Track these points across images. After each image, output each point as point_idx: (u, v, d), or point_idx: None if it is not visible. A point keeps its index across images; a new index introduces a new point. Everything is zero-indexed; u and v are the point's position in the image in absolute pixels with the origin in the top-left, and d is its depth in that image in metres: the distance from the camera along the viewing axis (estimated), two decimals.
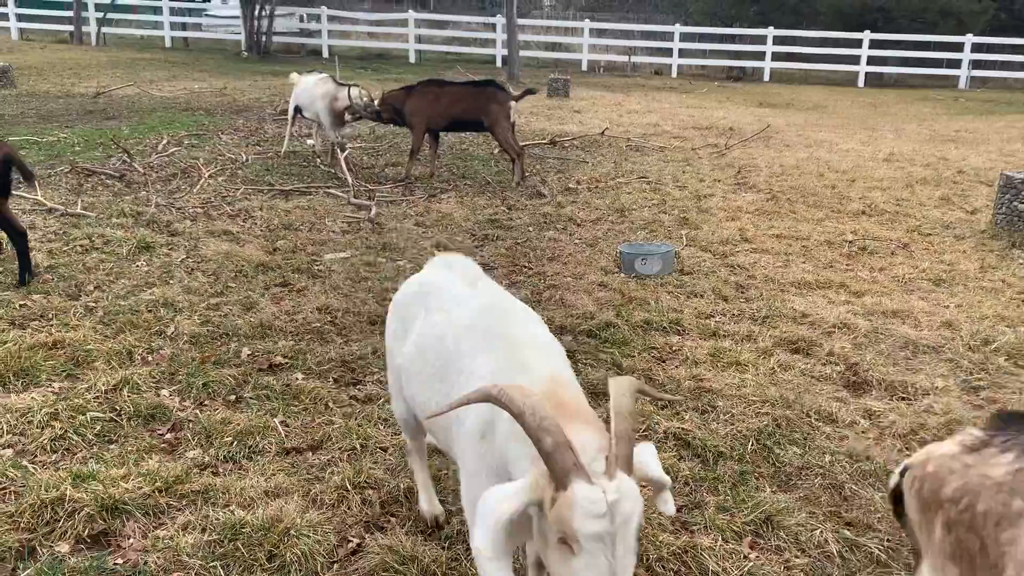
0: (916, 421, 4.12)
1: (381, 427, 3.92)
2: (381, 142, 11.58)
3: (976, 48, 25.08)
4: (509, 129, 9.18)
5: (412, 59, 26.15)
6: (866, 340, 5.15)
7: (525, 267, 6.49)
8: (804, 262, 6.78)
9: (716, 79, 25.76)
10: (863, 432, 4.03)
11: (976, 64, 25.35)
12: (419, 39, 26.77)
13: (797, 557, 3.11)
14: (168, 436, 3.79)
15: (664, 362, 4.79)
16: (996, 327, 5.37)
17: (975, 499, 1.79)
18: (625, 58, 26.64)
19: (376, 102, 9.36)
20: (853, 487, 3.57)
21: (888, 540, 3.22)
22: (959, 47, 24.93)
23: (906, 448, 3.88)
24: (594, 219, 7.96)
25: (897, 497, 2.08)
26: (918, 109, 19.18)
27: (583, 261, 6.64)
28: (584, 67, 26.64)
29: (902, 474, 2.06)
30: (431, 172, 9.51)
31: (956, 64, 25.38)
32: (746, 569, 3.02)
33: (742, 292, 6.03)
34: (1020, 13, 28.57)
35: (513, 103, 9.11)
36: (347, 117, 9.47)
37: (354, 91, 9.27)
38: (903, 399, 4.40)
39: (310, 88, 9.59)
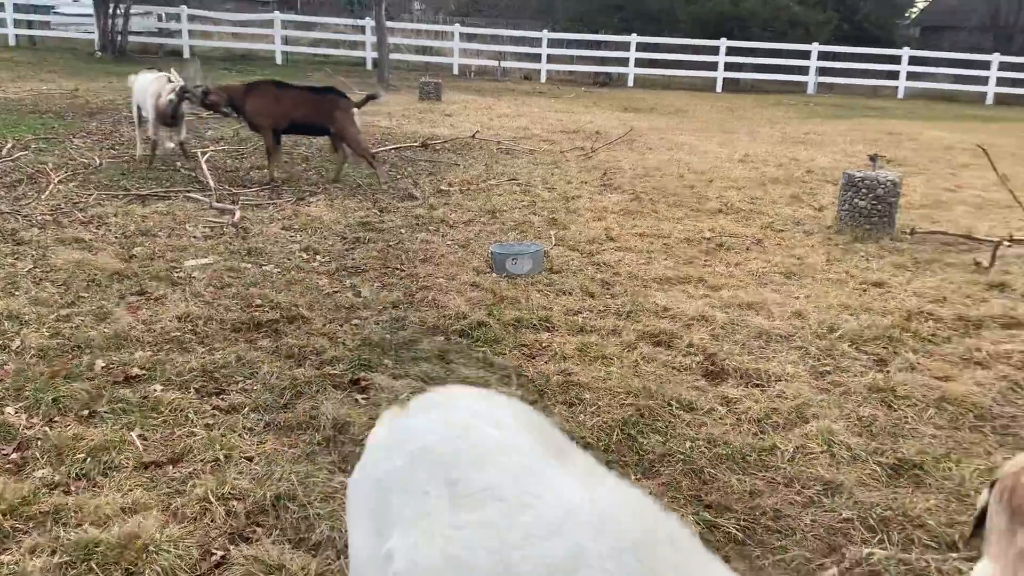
0: (769, 406, 4.36)
1: (246, 436, 3.82)
2: (246, 144, 11.27)
3: (822, 56, 26.73)
4: (358, 134, 9.20)
5: (279, 60, 25.54)
6: (723, 331, 5.40)
7: (397, 269, 6.47)
8: (665, 259, 7.04)
9: (583, 84, 26.39)
10: (721, 419, 4.23)
11: (822, 71, 27.01)
12: (286, 40, 26.18)
13: None
14: (13, 456, 3.56)
15: (534, 358, 4.88)
16: (840, 315, 5.74)
17: None
18: (495, 63, 26.90)
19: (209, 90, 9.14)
20: (712, 471, 3.74)
21: (744, 520, 3.39)
22: (807, 55, 26.50)
23: (760, 433, 4.11)
24: (466, 220, 8.01)
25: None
26: (772, 113, 20.24)
27: (455, 262, 6.68)
28: (455, 71, 26.75)
29: (991, 487, 2.12)
30: (276, 174, 9.24)
31: (805, 71, 26.95)
32: None
33: (608, 289, 6.21)
34: (860, 24, 30.65)
35: (355, 109, 9.08)
36: (183, 108, 9.26)
37: (174, 74, 9.17)
38: (757, 386, 4.64)
39: (145, 87, 9.33)
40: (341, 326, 5.18)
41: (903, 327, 5.56)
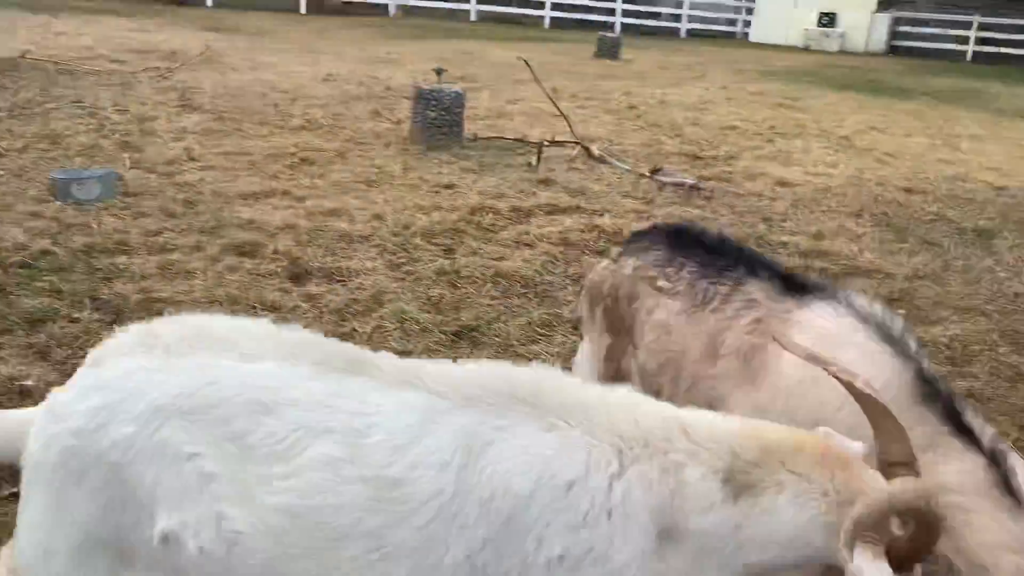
0: (350, 297, 4.72)
1: None
2: None
3: None
4: None
5: None
6: (308, 237, 5.64)
7: None
8: (251, 175, 7.06)
9: (158, 3, 24.38)
10: (304, 313, 4.49)
11: None
12: None
13: None
14: None
15: (111, 280, 4.70)
16: (414, 215, 6.28)
17: (617, 289, 2.72)
18: None
19: None
20: None
21: None
22: None
23: (342, 321, 4.45)
24: (20, 147, 7.20)
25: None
26: (356, 34, 20.57)
27: (9, 192, 6.04)
28: None
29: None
30: None
31: None
32: None
33: (191, 207, 6.09)
34: None
35: None
36: None
37: None
38: (339, 281, 4.98)
39: None
40: None
41: (468, 220, 6.26)
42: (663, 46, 24.60)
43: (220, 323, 1.73)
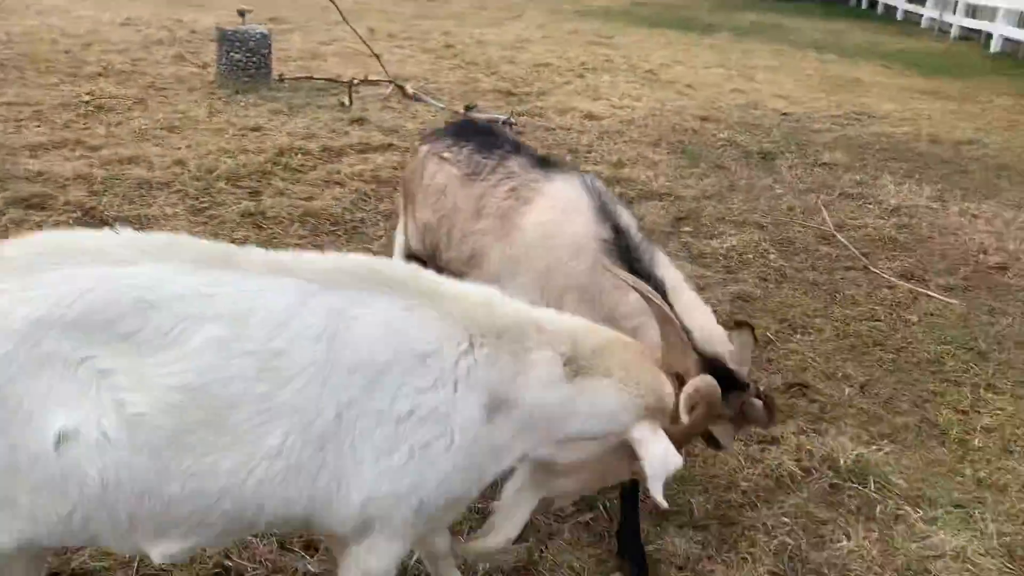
0: None
1: None
2: None
3: None
4: None
5: None
6: (103, 187, 5.41)
7: None
8: (39, 126, 6.63)
9: None
10: None
11: None
12: None
13: None
14: None
15: None
16: (219, 159, 6.13)
17: (413, 169, 3.22)
18: None
19: None
20: None
21: None
22: None
23: None
24: None
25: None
26: None
27: None
28: None
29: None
30: None
31: None
32: None
33: None
34: None
35: None
36: None
37: None
38: (137, 230, 4.82)
39: None
40: None
41: (275, 162, 6.18)
42: None
43: (83, 236, 1.75)
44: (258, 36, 8.42)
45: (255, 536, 2.50)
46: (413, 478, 1.74)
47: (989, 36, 17.58)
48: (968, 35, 19.46)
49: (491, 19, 16.25)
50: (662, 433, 1.88)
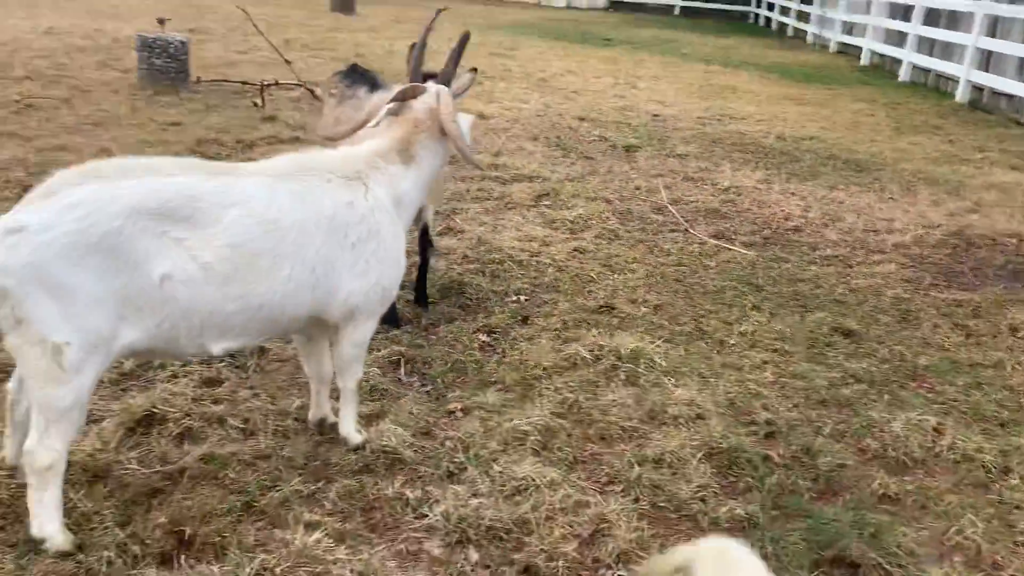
0: None
1: None
2: None
3: None
4: None
5: None
6: (38, 168, 6.20)
7: None
8: None
9: None
10: None
11: None
12: None
13: None
14: None
15: None
16: (141, 149, 6.97)
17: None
18: None
19: None
20: None
21: None
22: None
23: None
24: None
25: None
26: None
27: None
28: None
29: None
30: None
31: None
32: None
33: None
34: None
35: None
36: None
37: None
38: None
39: None
40: None
41: (193, 151, 7.05)
42: (400, 3, 25.57)
43: (143, 160, 2.68)
44: (177, 43, 9.25)
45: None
46: (373, 274, 2.95)
47: (860, 50, 19.36)
48: (845, 50, 21.28)
49: (404, 32, 17.24)
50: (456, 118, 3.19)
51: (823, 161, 8.91)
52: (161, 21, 9.51)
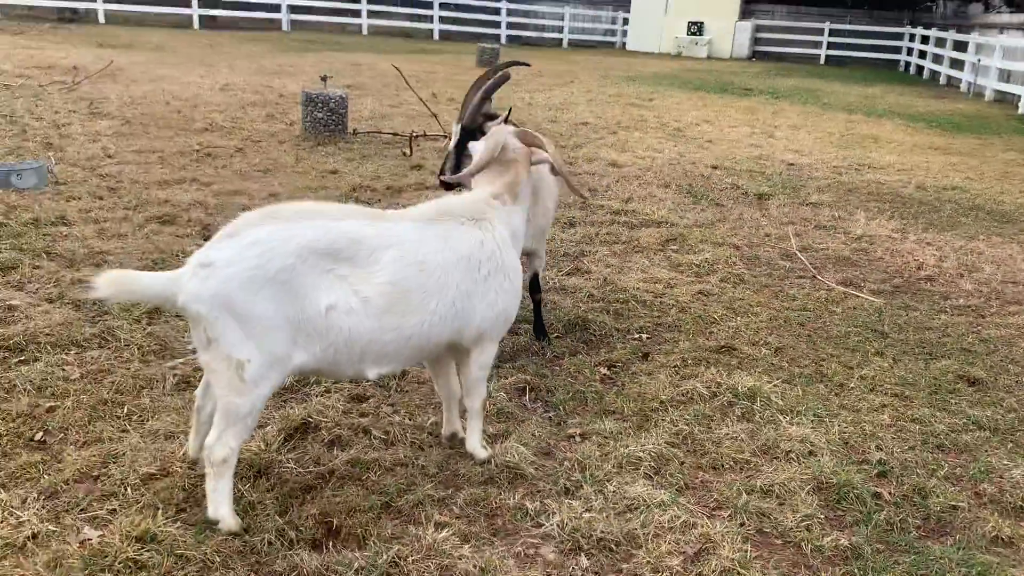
0: None
1: None
2: None
3: None
4: None
5: None
6: (215, 210, 7.00)
7: None
8: (162, 168, 8.33)
9: (47, 20, 24.85)
10: None
11: (294, 8, 29.02)
12: None
13: None
14: None
15: (59, 241, 5.97)
16: (304, 193, 7.70)
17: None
18: None
19: None
20: None
21: None
22: None
23: None
24: None
25: None
26: (249, 48, 21.68)
27: None
28: None
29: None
30: None
31: (278, 8, 28.70)
32: None
33: (114, 192, 7.35)
34: None
35: None
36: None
37: None
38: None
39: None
40: None
41: (348, 196, 7.72)
42: (543, 55, 26.49)
43: (313, 204, 3.08)
44: (337, 98, 10.10)
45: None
46: (500, 303, 3.36)
47: (1019, 98, 18.52)
48: (1002, 98, 20.38)
49: (544, 84, 17.93)
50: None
51: (965, 211, 8.69)
52: (323, 78, 10.43)
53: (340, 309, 2.89)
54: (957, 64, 24.03)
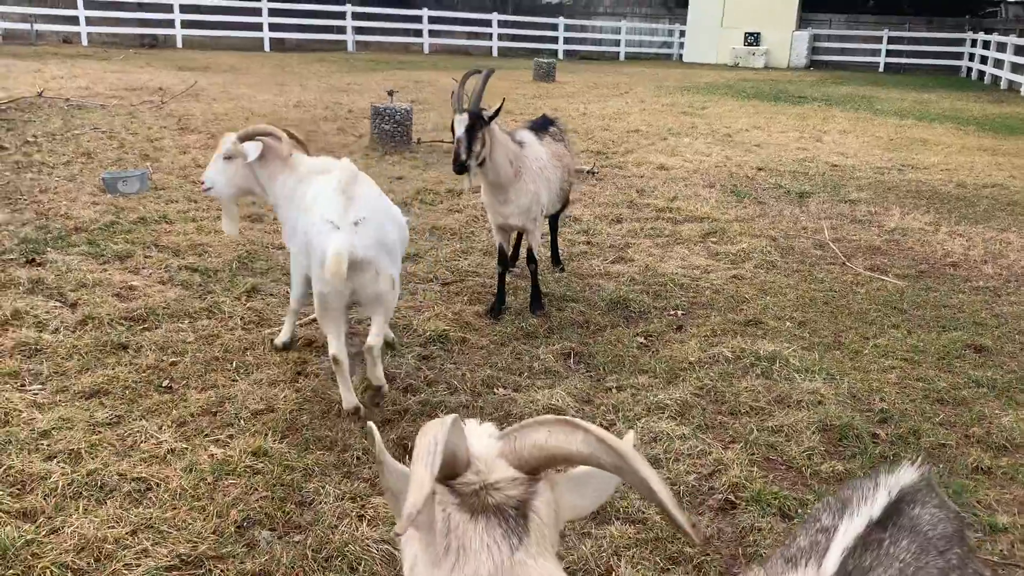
0: None
1: None
2: None
3: (356, 16, 29.92)
4: None
5: None
6: None
7: (20, 198, 7.75)
8: None
9: (130, 46, 26.46)
10: None
11: (359, 30, 30.27)
12: None
13: None
14: None
15: (165, 235, 6.82)
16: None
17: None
18: (27, 26, 25.68)
19: None
20: None
21: None
22: (342, 15, 29.49)
23: None
24: (65, 162, 9.30)
25: None
26: (317, 68, 22.81)
27: (71, 191, 8.13)
28: None
29: None
30: None
31: (343, 31, 29.98)
32: None
33: (206, 196, 8.20)
34: None
35: None
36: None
37: None
38: None
39: None
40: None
41: (414, 198, 8.46)
42: (599, 69, 27.13)
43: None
44: (403, 111, 10.90)
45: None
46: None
47: None
48: None
49: (598, 96, 18.55)
50: None
51: (1002, 207, 9.03)
52: (390, 93, 11.24)
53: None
54: (1018, 68, 23.91)
